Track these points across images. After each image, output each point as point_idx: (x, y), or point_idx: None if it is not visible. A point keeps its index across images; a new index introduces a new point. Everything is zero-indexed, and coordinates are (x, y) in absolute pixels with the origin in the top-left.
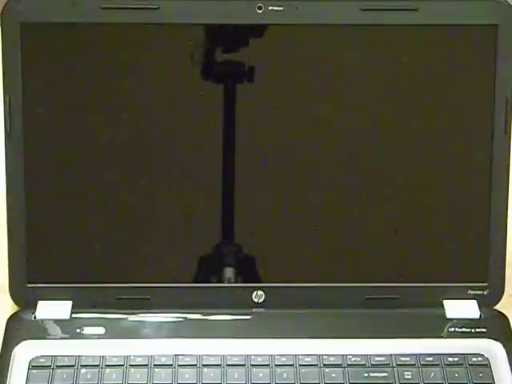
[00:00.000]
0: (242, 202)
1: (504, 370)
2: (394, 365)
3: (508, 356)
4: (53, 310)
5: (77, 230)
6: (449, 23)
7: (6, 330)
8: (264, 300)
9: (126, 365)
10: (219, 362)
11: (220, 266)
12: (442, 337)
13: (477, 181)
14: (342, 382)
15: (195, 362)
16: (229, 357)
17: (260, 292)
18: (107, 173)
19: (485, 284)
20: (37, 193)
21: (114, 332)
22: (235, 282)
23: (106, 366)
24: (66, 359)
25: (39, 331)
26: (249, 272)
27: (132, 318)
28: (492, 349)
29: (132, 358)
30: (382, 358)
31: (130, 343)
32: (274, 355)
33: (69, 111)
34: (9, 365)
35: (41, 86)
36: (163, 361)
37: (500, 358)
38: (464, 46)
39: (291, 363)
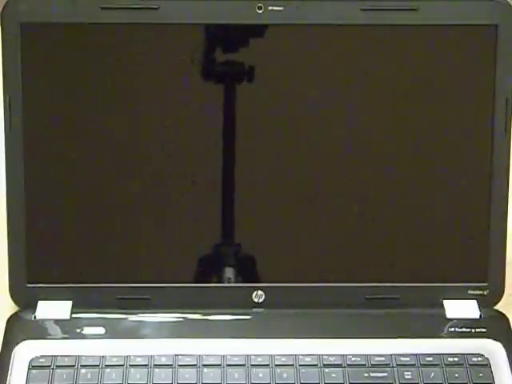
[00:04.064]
0: (241, 202)
1: (504, 370)
2: (394, 365)
3: (508, 356)
4: (53, 310)
5: (77, 230)
6: (449, 23)
7: (5, 330)
8: (264, 300)
9: (126, 365)
10: (219, 362)
11: (220, 265)
12: (442, 337)
13: (477, 181)
14: (341, 382)
15: (195, 362)
16: (229, 357)
17: (260, 292)
18: (107, 173)
19: (485, 284)
20: (37, 193)
21: (114, 332)
22: (235, 282)
23: (105, 366)
24: (66, 359)
25: (39, 331)
26: (249, 272)
27: (132, 317)
28: (492, 349)
29: (132, 357)
30: (382, 358)
31: (130, 343)
32: (274, 355)
33: (69, 111)
34: (9, 365)
35: (41, 86)
36: (163, 361)
37: (500, 358)
38: (464, 45)
39: (291, 363)
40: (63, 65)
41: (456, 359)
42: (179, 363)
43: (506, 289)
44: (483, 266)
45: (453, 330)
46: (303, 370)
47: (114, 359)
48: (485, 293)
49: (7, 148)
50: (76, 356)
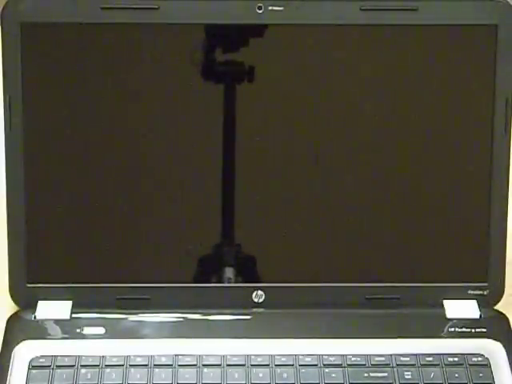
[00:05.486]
0: (242, 202)
1: (504, 370)
2: (394, 365)
3: (508, 356)
4: (53, 309)
5: (77, 230)
6: (449, 23)
7: (5, 330)
8: (264, 300)
9: (126, 365)
10: (219, 362)
11: (220, 266)
12: (442, 337)
13: (477, 181)
14: (341, 382)
15: (195, 362)
16: (229, 357)
17: (260, 292)
18: (107, 172)
19: (485, 284)
20: (37, 193)
21: (114, 332)
22: (235, 282)
23: (105, 366)
24: (66, 359)
25: (39, 331)
26: (249, 272)
27: (132, 317)
28: (492, 349)
29: (132, 357)
30: (382, 358)
31: (130, 343)
32: (274, 355)
33: (69, 111)
34: (9, 365)
35: (41, 86)
36: (163, 361)
37: (500, 358)
38: (464, 45)
39: (291, 363)
40: (63, 65)
41: (456, 359)
42: (179, 363)
43: (506, 289)
44: (483, 266)
45: (453, 329)
46: (303, 370)
47: (114, 359)
48: (485, 293)
49: (7, 148)
50: (76, 356)
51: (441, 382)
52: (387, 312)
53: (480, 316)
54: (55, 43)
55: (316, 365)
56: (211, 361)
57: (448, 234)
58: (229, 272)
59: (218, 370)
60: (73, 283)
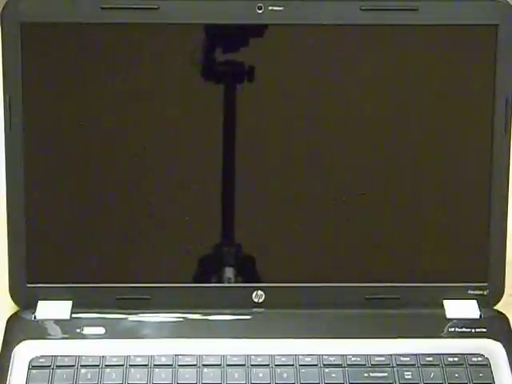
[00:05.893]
0: (242, 202)
1: (504, 370)
2: (394, 365)
3: (508, 356)
4: (53, 309)
5: (77, 230)
6: (449, 23)
7: (5, 330)
8: (264, 300)
9: (126, 365)
10: (219, 362)
11: (220, 266)
12: (442, 337)
13: (477, 180)
14: (341, 382)
15: (195, 362)
16: (229, 357)
17: (260, 292)
18: (107, 173)
19: (485, 284)
20: (37, 193)
21: (114, 332)
22: (235, 282)
23: (105, 366)
24: (66, 359)
25: (39, 331)
26: (249, 272)
27: (132, 317)
28: (492, 349)
29: (132, 357)
30: (382, 358)
31: (130, 343)
32: (274, 355)
33: (69, 111)
34: (9, 365)
35: (41, 86)
36: (163, 361)
37: (500, 358)
38: (464, 45)
39: (291, 363)
40: (63, 65)
41: (456, 359)
42: (179, 363)
43: (506, 289)
44: (483, 266)
45: (453, 329)
46: (303, 370)
47: (114, 359)
48: (485, 293)
49: (7, 148)
50: (76, 356)
51: (441, 382)
52: (387, 312)
53: (480, 316)
54: (55, 43)
55: (316, 365)
56: (211, 361)
57: (448, 233)
58: (229, 272)
59: (217, 370)
60: (73, 283)
